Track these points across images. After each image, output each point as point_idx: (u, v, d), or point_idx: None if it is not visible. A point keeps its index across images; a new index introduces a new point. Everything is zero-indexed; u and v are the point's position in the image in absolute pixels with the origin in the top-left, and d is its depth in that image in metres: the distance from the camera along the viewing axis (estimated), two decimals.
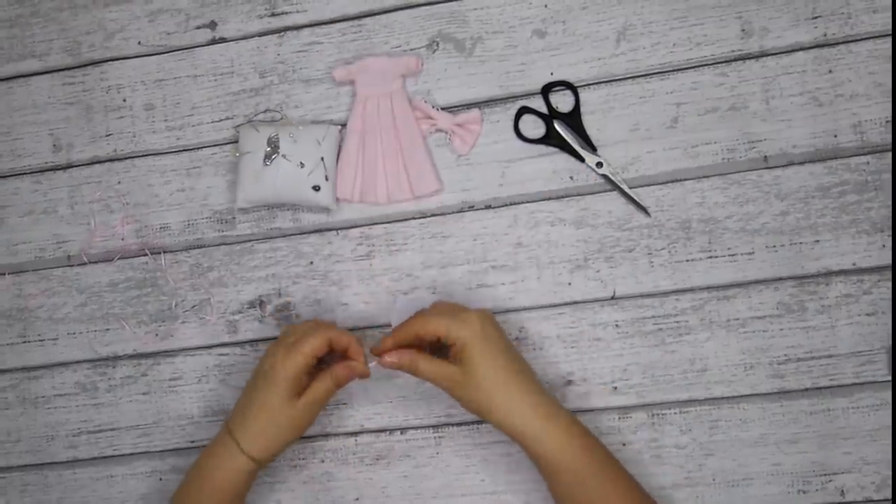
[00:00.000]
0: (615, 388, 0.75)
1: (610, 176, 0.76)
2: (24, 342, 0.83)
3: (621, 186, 0.75)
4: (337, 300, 0.79)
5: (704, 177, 0.75)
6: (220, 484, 0.70)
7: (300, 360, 0.68)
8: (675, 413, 0.74)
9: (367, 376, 0.71)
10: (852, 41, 0.74)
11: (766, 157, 0.74)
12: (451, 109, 0.78)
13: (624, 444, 0.75)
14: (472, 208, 0.78)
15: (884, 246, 0.73)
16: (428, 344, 0.69)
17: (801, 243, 0.74)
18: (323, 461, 0.78)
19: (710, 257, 0.75)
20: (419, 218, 0.78)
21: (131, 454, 0.81)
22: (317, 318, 0.77)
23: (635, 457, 0.74)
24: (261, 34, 0.81)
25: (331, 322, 0.76)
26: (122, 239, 0.82)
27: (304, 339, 0.69)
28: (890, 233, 0.73)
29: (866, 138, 0.74)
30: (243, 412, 0.70)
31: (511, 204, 0.77)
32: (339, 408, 0.78)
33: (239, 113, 0.81)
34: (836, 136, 0.74)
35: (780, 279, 0.74)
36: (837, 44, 0.74)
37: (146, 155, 0.83)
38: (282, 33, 0.81)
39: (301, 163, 0.77)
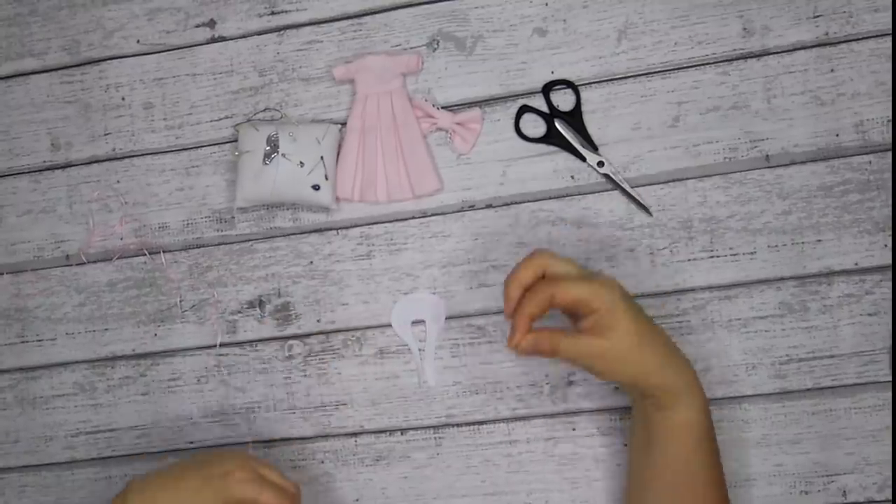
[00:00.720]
0: (616, 388, 0.75)
1: (611, 175, 0.75)
2: (23, 342, 0.83)
3: (623, 186, 0.75)
4: (337, 300, 0.79)
5: (706, 176, 0.75)
6: None
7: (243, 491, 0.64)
8: None
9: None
10: (854, 40, 0.74)
11: (767, 156, 0.74)
12: (451, 108, 0.78)
13: (625, 445, 0.74)
14: (472, 207, 0.78)
15: (886, 245, 0.73)
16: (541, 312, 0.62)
17: (803, 243, 0.73)
18: (323, 462, 0.78)
19: (712, 257, 0.74)
20: (419, 217, 0.78)
21: (130, 455, 0.81)
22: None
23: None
24: (260, 33, 0.81)
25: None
26: (121, 238, 0.82)
27: (268, 491, 0.65)
28: (892, 232, 0.73)
29: (868, 137, 0.73)
30: (153, 494, 0.65)
31: (512, 203, 0.77)
32: (339, 408, 0.78)
33: (238, 112, 0.81)
34: (837, 135, 0.74)
35: (782, 279, 0.74)
36: (839, 43, 0.74)
37: (145, 154, 0.82)
38: (281, 32, 0.81)
39: (301, 162, 0.77)
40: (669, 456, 0.64)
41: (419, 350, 0.77)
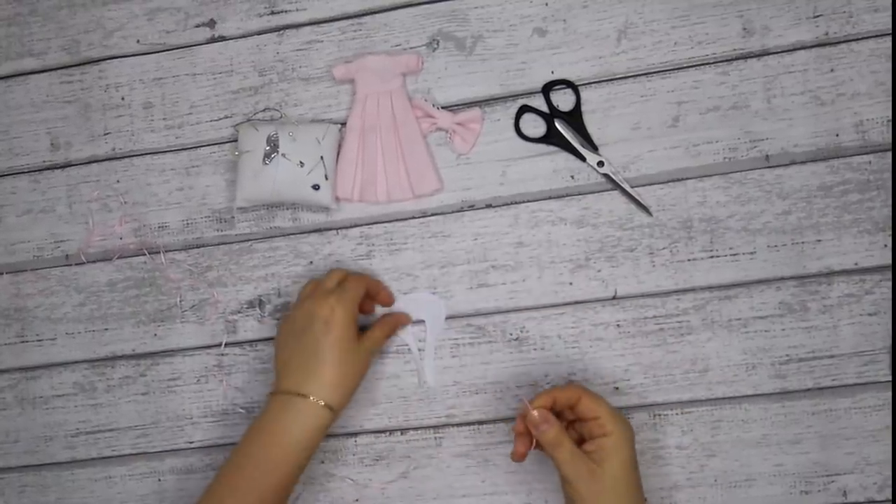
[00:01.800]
0: (616, 388, 0.75)
1: (611, 175, 0.75)
2: (23, 342, 0.83)
3: (622, 186, 0.75)
4: None
5: (706, 176, 0.75)
6: (301, 444, 0.68)
7: (353, 304, 0.71)
8: (677, 413, 0.74)
9: (408, 323, 0.77)
10: (854, 40, 0.74)
11: (767, 156, 0.74)
12: (451, 108, 0.78)
13: None
14: (472, 207, 0.78)
15: (886, 245, 0.73)
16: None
17: (802, 243, 0.73)
18: (322, 462, 0.78)
19: (712, 257, 0.74)
20: (419, 217, 0.78)
21: (130, 455, 0.81)
22: (338, 268, 0.76)
23: (637, 457, 0.74)
24: (260, 32, 0.81)
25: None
26: (121, 238, 0.82)
27: (349, 287, 0.72)
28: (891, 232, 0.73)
29: (868, 137, 0.73)
30: (307, 368, 0.69)
31: (512, 203, 0.77)
32: None
33: (238, 111, 0.81)
34: (837, 135, 0.74)
35: (782, 279, 0.74)
36: (839, 43, 0.74)
37: (145, 154, 0.82)
38: (281, 31, 0.81)
39: (300, 162, 0.77)
40: None
41: (419, 350, 0.77)
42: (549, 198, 0.77)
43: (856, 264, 0.73)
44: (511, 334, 0.76)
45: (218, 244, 0.81)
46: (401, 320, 0.76)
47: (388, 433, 0.78)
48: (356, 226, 0.79)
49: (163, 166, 0.82)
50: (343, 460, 0.78)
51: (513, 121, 0.77)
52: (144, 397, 0.81)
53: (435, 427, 0.77)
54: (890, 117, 0.73)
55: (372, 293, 0.75)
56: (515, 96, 0.78)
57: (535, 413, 0.65)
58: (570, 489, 0.64)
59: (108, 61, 0.83)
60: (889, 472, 0.72)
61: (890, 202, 0.73)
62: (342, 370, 0.69)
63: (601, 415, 0.64)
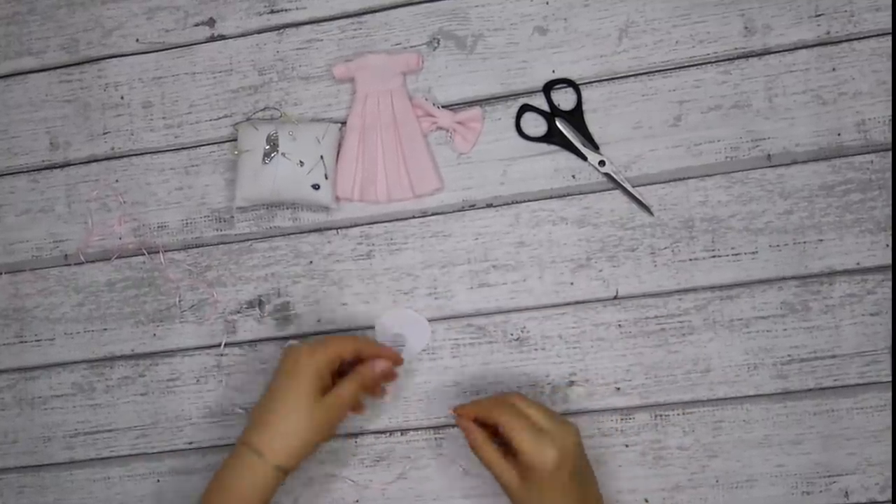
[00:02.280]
0: (618, 388, 0.75)
1: (612, 174, 0.75)
2: (21, 342, 0.83)
3: (624, 185, 0.75)
4: (337, 300, 0.78)
5: (707, 175, 0.75)
6: (247, 496, 0.67)
7: (323, 355, 0.67)
8: (679, 414, 0.74)
9: (393, 378, 0.72)
10: (855, 39, 0.74)
11: (769, 155, 0.74)
12: (451, 107, 0.78)
13: (627, 446, 0.74)
14: (473, 207, 0.77)
15: (887, 245, 0.73)
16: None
17: (804, 242, 0.73)
18: (323, 462, 0.78)
19: (714, 256, 0.74)
20: (420, 217, 0.78)
21: (129, 455, 0.81)
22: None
23: (638, 458, 0.74)
24: (260, 31, 0.81)
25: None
26: (120, 238, 0.82)
27: (330, 339, 0.69)
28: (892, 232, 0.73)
29: (870, 137, 0.73)
30: (262, 418, 0.67)
31: (513, 203, 0.77)
32: None
33: (238, 111, 0.81)
34: (839, 134, 0.73)
35: (784, 279, 0.73)
36: (840, 42, 0.74)
37: (144, 153, 0.82)
38: (281, 30, 0.80)
39: (300, 161, 0.76)
40: None
41: None
42: (550, 197, 0.76)
43: (857, 264, 0.73)
44: (512, 334, 0.76)
45: (217, 244, 0.80)
46: (375, 371, 0.69)
47: (388, 434, 0.77)
48: (356, 225, 0.79)
49: (162, 166, 0.82)
50: (343, 461, 0.78)
51: (514, 120, 0.77)
52: (143, 398, 0.81)
53: (435, 428, 0.77)
54: (891, 116, 0.73)
55: (366, 356, 0.70)
56: (516, 95, 0.77)
57: (463, 422, 0.66)
58: (508, 496, 0.65)
59: (108, 60, 0.83)
60: (891, 473, 0.72)
61: (891, 202, 0.73)
62: (293, 425, 0.66)
63: (519, 448, 0.63)
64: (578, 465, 0.64)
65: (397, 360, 0.71)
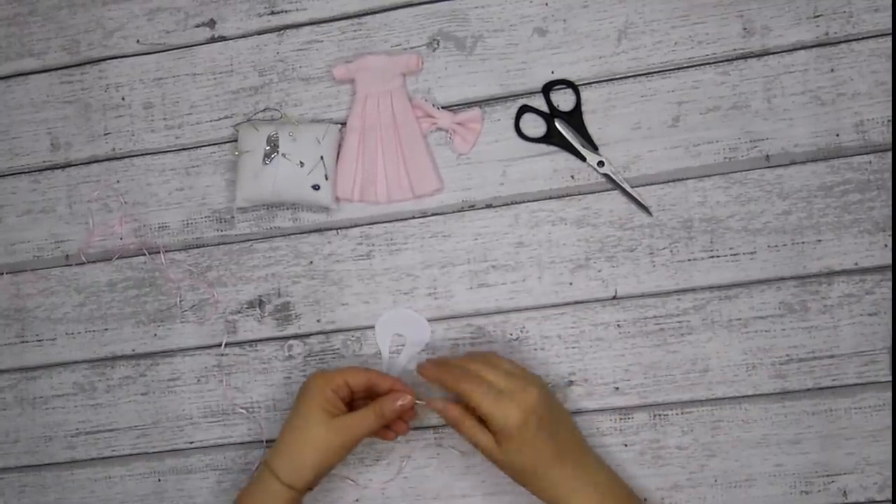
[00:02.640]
0: (616, 388, 0.75)
1: (611, 175, 0.75)
2: (22, 342, 0.83)
3: (623, 185, 0.75)
4: (337, 300, 0.78)
5: (706, 176, 0.75)
6: None
7: (331, 380, 0.69)
8: (677, 413, 0.74)
9: (412, 416, 0.73)
10: (854, 40, 0.74)
11: (767, 156, 0.74)
12: (451, 108, 0.78)
13: (625, 445, 0.74)
14: (472, 207, 0.78)
15: (886, 245, 0.73)
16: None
17: (803, 243, 0.73)
18: None
19: (712, 257, 0.74)
20: (419, 217, 0.78)
21: (130, 455, 0.81)
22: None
23: (637, 458, 0.74)
24: (260, 32, 0.81)
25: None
26: (121, 238, 0.82)
27: (343, 368, 0.71)
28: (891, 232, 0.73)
29: (868, 137, 0.73)
30: (279, 439, 0.70)
31: (512, 203, 0.77)
32: None
33: (238, 112, 0.81)
34: (838, 135, 0.74)
35: (782, 279, 0.74)
36: (839, 42, 0.74)
37: (145, 154, 0.82)
38: (281, 31, 0.81)
39: (300, 162, 0.77)
40: None
41: (388, 357, 0.77)
42: (550, 198, 0.76)
43: (856, 264, 0.73)
44: (511, 334, 0.76)
45: (218, 244, 0.81)
46: (395, 406, 0.69)
47: None
48: (356, 226, 0.79)
49: (163, 166, 0.82)
50: (343, 460, 0.78)
51: (513, 121, 0.77)
52: (144, 397, 0.81)
53: (435, 427, 0.77)
54: (890, 117, 0.73)
55: (380, 389, 0.71)
56: (515, 96, 0.78)
57: (436, 405, 0.68)
58: (494, 463, 0.67)
59: (109, 61, 0.83)
60: (889, 473, 0.72)
61: (890, 202, 0.73)
62: (305, 447, 0.68)
63: (481, 412, 0.65)
64: (545, 419, 0.65)
65: (412, 396, 0.70)
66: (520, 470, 0.66)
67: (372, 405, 0.70)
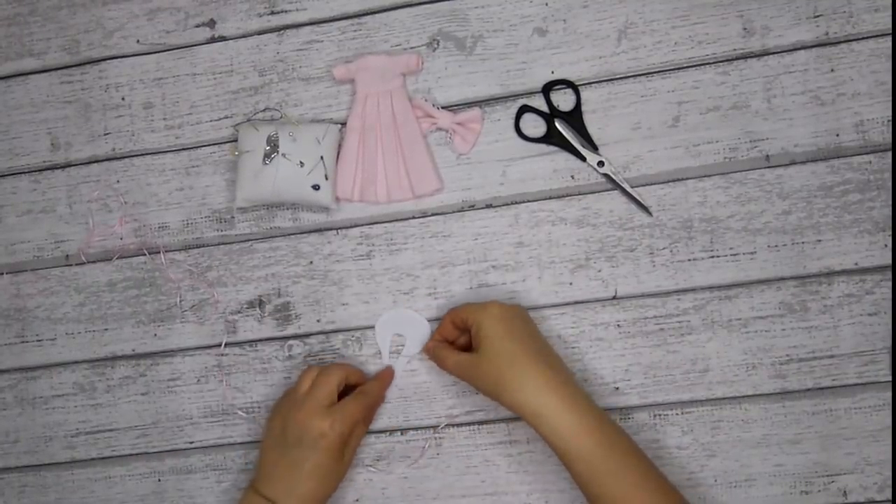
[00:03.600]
0: (617, 388, 0.75)
1: (611, 175, 0.75)
2: (22, 342, 0.83)
3: (623, 185, 0.75)
4: (337, 300, 0.78)
5: (706, 176, 0.75)
6: None
7: (351, 424, 0.71)
8: (677, 414, 0.74)
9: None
10: (854, 40, 0.74)
11: (767, 156, 0.74)
12: (451, 108, 0.78)
13: None
14: (472, 207, 0.78)
15: (886, 245, 0.73)
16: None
17: (803, 243, 0.73)
18: None
19: (712, 257, 0.74)
20: (419, 217, 0.78)
21: (130, 455, 0.81)
22: (311, 366, 0.76)
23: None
24: (260, 32, 0.81)
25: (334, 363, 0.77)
26: (121, 238, 0.82)
27: (347, 408, 0.71)
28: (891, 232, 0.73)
29: (868, 137, 0.73)
30: (289, 481, 0.70)
31: (512, 203, 0.77)
32: None
33: (238, 112, 0.81)
34: (838, 135, 0.74)
35: (783, 279, 0.74)
36: (839, 42, 0.74)
37: (145, 154, 0.82)
38: (281, 31, 0.81)
39: (300, 162, 0.77)
40: (573, 473, 0.66)
41: (388, 357, 0.77)
42: (550, 198, 0.76)
43: (856, 264, 0.73)
44: None
45: (218, 244, 0.81)
46: (375, 391, 0.75)
47: (388, 433, 0.78)
48: (356, 226, 0.79)
49: (163, 166, 0.82)
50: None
51: (513, 121, 0.77)
52: (144, 397, 0.81)
53: (435, 427, 0.77)
54: (890, 117, 0.73)
55: (352, 381, 0.74)
56: (515, 96, 0.78)
57: (427, 347, 0.74)
58: (472, 384, 0.70)
59: (108, 61, 0.83)
60: (889, 473, 0.72)
61: (890, 202, 0.73)
62: (324, 488, 0.71)
63: (466, 316, 0.70)
64: (521, 320, 0.70)
65: (386, 382, 0.77)
66: (495, 375, 0.67)
67: (362, 424, 0.74)
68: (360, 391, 0.74)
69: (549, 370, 0.66)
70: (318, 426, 0.69)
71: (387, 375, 0.77)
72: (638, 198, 0.75)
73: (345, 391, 0.74)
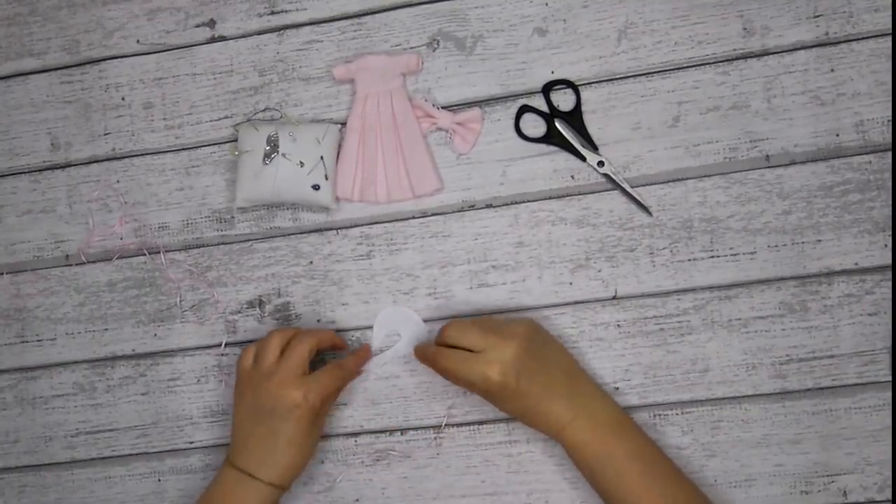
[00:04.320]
0: (617, 388, 0.75)
1: (611, 175, 0.75)
2: (23, 342, 0.83)
3: (623, 185, 0.75)
4: (337, 300, 0.78)
5: (706, 176, 0.75)
6: None
7: (322, 393, 0.70)
8: (677, 414, 0.74)
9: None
10: (854, 40, 0.74)
11: (767, 156, 0.74)
12: (451, 108, 0.78)
13: None
14: (472, 207, 0.78)
15: (886, 245, 0.73)
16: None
17: (803, 243, 0.73)
18: (323, 462, 0.78)
19: (712, 257, 0.74)
20: (419, 217, 0.78)
21: (130, 455, 0.81)
22: (275, 330, 0.74)
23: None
24: (260, 32, 0.81)
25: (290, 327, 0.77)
26: (121, 238, 0.82)
27: (322, 377, 0.71)
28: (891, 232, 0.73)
29: (868, 137, 0.73)
30: (265, 451, 0.70)
31: (512, 203, 0.77)
32: (339, 408, 0.78)
33: (238, 111, 0.81)
34: (838, 135, 0.74)
35: (782, 279, 0.74)
36: (839, 42, 0.74)
37: (145, 154, 0.82)
38: (281, 31, 0.81)
39: (300, 162, 0.77)
40: (595, 482, 0.68)
41: (380, 351, 0.77)
42: (550, 198, 0.76)
43: (856, 264, 0.73)
44: None
45: (218, 244, 0.81)
46: (350, 366, 0.75)
47: (388, 433, 0.78)
48: (356, 226, 0.79)
49: (163, 166, 0.82)
50: (343, 460, 0.78)
51: (513, 121, 0.77)
52: (144, 397, 0.81)
53: (435, 427, 0.77)
54: (890, 117, 0.73)
55: (324, 346, 0.74)
56: (515, 96, 0.78)
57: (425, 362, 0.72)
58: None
59: (108, 61, 0.83)
60: (889, 473, 0.72)
61: (890, 202, 0.73)
62: (301, 455, 0.71)
63: (460, 381, 0.68)
64: (526, 367, 0.67)
65: (344, 345, 0.77)
66: (512, 414, 0.70)
67: (334, 377, 0.72)
68: (335, 364, 0.73)
69: (571, 401, 0.68)
70: (291, 396, 0.69)
71: (364, 353, 0.76)
72: (638, 198, 0.75)
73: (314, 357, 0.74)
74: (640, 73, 0.76)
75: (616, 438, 0.67)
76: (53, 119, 0.84)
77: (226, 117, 0.81)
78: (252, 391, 0.71)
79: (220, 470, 0.72)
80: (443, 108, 0.78)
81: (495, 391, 0.67)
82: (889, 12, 0.73)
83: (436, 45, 0.79)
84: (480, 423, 0.76)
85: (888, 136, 0.73)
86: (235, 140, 0.80)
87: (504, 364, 0.66)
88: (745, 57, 0.75)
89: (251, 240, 0.80)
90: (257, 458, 0.70)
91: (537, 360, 0.68)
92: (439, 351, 0.69)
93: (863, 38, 0.74)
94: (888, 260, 0.73)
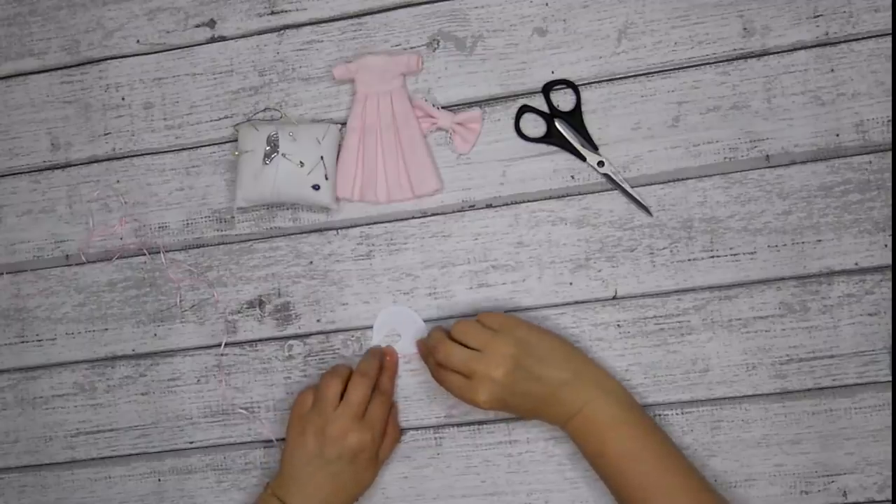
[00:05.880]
0: None
1: (611, 175, 0.75)
2: (22, 342, 0.83)
3: (623, 185, 0.75)
4: (337, 300, 0.78)
5: (706, 176, 0.75)
6: None
7: (381, 429, 0.73)
8: (677, 413, 0.74)
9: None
10: (854, 40, 0.74)
11: (767, 156, 0.74)
12: (451, 108, 0.78)
13: None
14: (472, 207, 0.78)
15: (886, 245, 0.73)
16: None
17: (803, 243, 0.73)
18: None
19: (712, 257, 0.74)
20: (419, 217, 0.78)
21: (130, 455, 0.81)
22: (332, 371, 0.75)
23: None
24: (260, 32, 0.81)
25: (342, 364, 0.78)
26: (121, 238, 0.82)
27: (378, 416, 0.73)
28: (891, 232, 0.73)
29: (868, 137, 0.73)
30: (324, 491, 0.71)
31: (512, 203, 0.77)
32: None
33: (238, 111, 0.81)
34: (838, 135, 0.74)
35: (783, 279, 0.74)
36: (839, 42, 0.74)
37: (145, 154, 0.82)
38: (281, 31, 0.81)
39: (301, 162, 0.77)
40: (601, 461, 0.68)
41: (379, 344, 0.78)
42: (550, 198, 0.76)
43: (856, 264, 0.73)
44: None
45: (218, 244, 0.81)
46: (389, 388, 0.76)
47: None
48: (356, 226, 0.79)
49: (163, 166, 0.82)
50: None
51: (513, 121, 0.77)
52: (144, 397, 0.81)
53: (435, 427, 0.77)
54: (890, 117, 0.73)
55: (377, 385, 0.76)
56: (515, 96, 0.78)
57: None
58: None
59: (109, 61, 0.83)
60: (889, 473, 0.72)
61: (890, 202, 0.73)
62: (361, 489, 0.74)
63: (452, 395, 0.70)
64: (521, 379, 0.67)
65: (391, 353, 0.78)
66: (521, 415, 0.72)
67: (392, 427, 0.75)
68: (380, 394, 0.74)
69: (579, 386, 0.68)
70: (357, 441, 0.71)
71: (392, 365, 0.77)
72: (638, 198, 0.75)
73: None
74: (640, 73, 0.76)
75: (630, 416, 0.68)
76: (53, 119, 0.84)
77: (226, 117, 0.81)
78: (314, 437, 0.72)
79: (261, 496, 0.73)
80: (443, 108, 0.78)
81: (491, 408, 0.68)
82: (889, 12, 0.73)
83: (436, 45, 0.79)
84: (480, 423, 0.76)
85: (888, 136, 0.73)
86: (235, 140, 0.80)
87: (494, 385, 0.67)
88: (745, 57, 0.75)
89: (251, 240, 0.80)
90: (317, 500, 0.71)
91: (533, 368, 0.68)
92: (437, 371, 0.71)
93: (863, 38, 0.74)
94: (888, 260, 0.73)
